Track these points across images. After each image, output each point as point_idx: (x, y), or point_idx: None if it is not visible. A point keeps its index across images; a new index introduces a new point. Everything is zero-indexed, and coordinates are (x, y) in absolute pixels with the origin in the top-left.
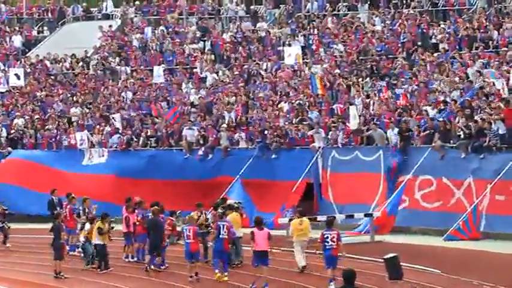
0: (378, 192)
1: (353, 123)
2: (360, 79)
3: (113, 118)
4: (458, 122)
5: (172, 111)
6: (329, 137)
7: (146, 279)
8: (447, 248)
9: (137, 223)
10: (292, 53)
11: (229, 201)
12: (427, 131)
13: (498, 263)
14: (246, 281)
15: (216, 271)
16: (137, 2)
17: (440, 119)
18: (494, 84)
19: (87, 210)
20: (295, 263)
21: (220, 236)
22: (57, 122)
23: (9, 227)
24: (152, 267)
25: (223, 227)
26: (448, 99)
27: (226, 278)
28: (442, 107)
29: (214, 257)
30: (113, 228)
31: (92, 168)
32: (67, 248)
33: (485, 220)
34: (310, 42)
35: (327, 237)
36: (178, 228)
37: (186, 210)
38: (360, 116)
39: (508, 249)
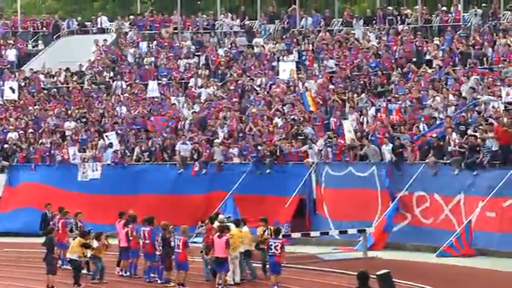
0: (378, 209)
1: (348, 137)
2: (355, 95)
3: (106, 136)
4: (451, 139)
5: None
6: (322, 152)
7: None
8: (439, 264)
9: (131, 238)
10: (286, 69)
11: (220, 217)
12: (425, 147)
13: (490, 280)
14: None
15: None
16: (132, 16)
17: (434, 136)
18: (489, 103)
19: (79, 224)
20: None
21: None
22: (51, 137)
23: None
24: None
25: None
26: (441, 116)
27: None
28: (435, 123)
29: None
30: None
31: (86, 187)
32: (59, 262)
33: (476, 237)
34: (304, 57)
35: (271, 245)
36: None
37: (179, 225)
38: (354, 131)
39: (499, 266)
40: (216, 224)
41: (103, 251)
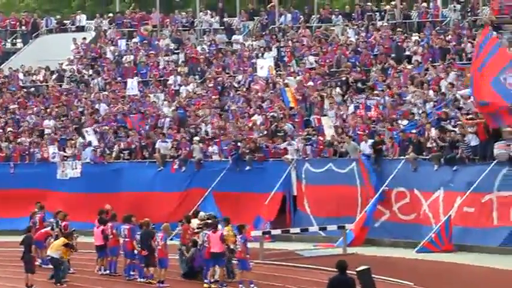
0: (358, 205)
1: (328, 133)
2: (334, 91)
3: (86, 131)
4: (430, 134)
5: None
6: (300, 149)
7: None
8: (419, 260)
9: (110, 236)
10: (264, 65)
11: (200, 214)
12: (406, 143)
13: (469, 275)
14: None
15: None
16: (111, 14)
17: (413, 131)
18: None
19: (60, 223)
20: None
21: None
22: (30, 135)
23: None
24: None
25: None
26: (420, 111)
27: None
28: (413, 119)
29: None
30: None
31: (65, 185)
32: (39, 261)
33: (455, 232)
34: (282, 54)
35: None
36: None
37: (159, 223)
38: (335, 127)
39: (479, 262)
40: (196, 221)
41: (68, 251)
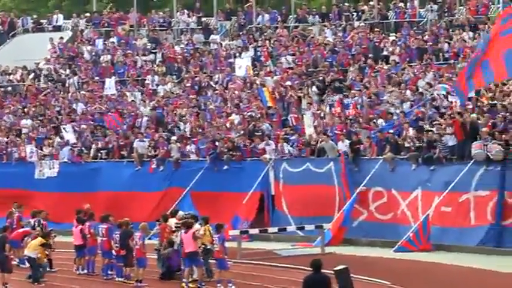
0: (336, 205)
1: (307, 132)
2: (311, 90)
3: (64, 129)
4: (408, 134)
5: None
6: (278, 148)
7: None
8: (397, 259)
9: (88, 235)
10: (242, 65)
11: (179, 213)
12: (383, 143)
13: (447, 274)
14: None
15: None
16: (88, 14)
17: (391, 131)
18: (446, 97)
19: (41, 221)
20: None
21: None
22: (7, 134)
23: None
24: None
25: None
26: (398, 111)
27: None
28: (392, 119)
29: None
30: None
31: (43, 185)
32: (16, 260)
33: (433, 232)
34: (259, 54)
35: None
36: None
37: (137, 222)
38: (314, 127)
39: (456, 261)
40: (174, 220)
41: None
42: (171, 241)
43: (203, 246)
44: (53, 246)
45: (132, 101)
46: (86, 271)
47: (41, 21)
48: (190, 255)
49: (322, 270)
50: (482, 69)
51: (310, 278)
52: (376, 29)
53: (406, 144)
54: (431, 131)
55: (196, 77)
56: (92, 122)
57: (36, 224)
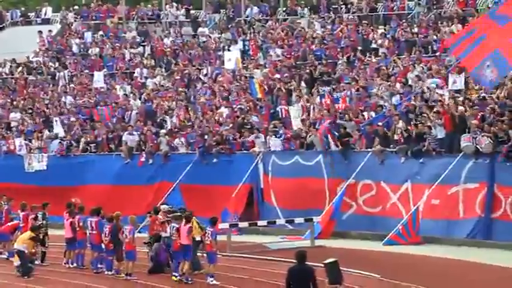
0: (326, 198)
1: (295, 123)
2: (300, 83)
3: (55, 121)
4: (397, 127)
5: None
6: (267, 141)
7: (88, 284)
8: (386, 252)
9: (78, 228)
10: (232, 58)
11: (162, 207)
12: (372, 136)
13: (436, 267)
14: None
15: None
16: (76, 7)
17: (380, 124)
18: (435, 90)
19: (47, 215)
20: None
21: None
22: None
23: None
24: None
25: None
26: (387, 104)
27: None
28: (381, 111)
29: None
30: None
31: (32, 178)
32: (6, 254)
33: (422, 225)
34: (247, 47)
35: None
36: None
37: (126, 215)
38: (302, 120)
39: (446, 254)
40: (161, 214)
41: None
42: (158, 236)
43: (192, 238)
44: (44, 240)
45: (124, 94)
46: (75, 264)
47: (29, 14)
48: (183, 248)
49: (311, 263)
50: (494, 61)
51: (295, 268)
52: (364, 22)
53: (396, 137)
54: (421, 123)
55: (185, 70)
56: (80, 116)
57: (41, 217)
